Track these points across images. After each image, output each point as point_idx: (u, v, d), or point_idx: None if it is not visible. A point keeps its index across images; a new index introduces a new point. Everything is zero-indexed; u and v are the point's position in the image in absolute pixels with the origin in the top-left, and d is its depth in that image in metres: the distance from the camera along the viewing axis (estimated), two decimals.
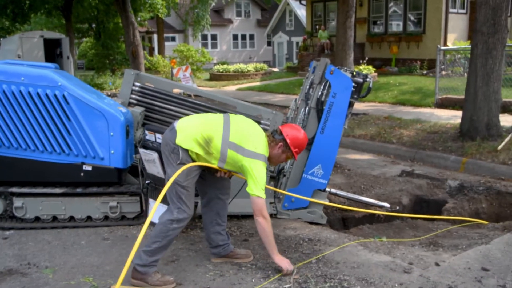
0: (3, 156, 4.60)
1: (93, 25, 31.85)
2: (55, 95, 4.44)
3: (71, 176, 4.66)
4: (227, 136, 3.53)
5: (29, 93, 4.44)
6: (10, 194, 4.68)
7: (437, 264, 3.79)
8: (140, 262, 3.49)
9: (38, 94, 4.44)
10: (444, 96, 11.98)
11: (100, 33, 30.93)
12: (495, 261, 3.83)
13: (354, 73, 4.77)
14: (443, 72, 14.12)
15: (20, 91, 4.43)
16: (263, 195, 3.50)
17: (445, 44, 18.87)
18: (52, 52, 23.23)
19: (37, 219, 4.76)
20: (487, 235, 4.70)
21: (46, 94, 4.44)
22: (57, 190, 4.68)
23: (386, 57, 20.94)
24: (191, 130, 3.54)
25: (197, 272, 3.74)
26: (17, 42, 22.13)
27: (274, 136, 3.69)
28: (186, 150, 3.52)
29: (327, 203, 4.96)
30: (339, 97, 4.66)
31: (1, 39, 39.58)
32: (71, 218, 4.78)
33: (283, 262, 3.63)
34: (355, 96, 4.75)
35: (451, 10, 19.40)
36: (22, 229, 4.69)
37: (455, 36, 19.34)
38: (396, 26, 21.27)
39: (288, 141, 3.66)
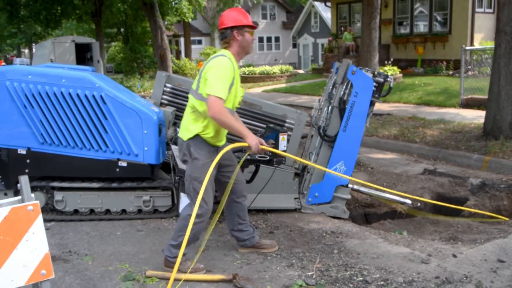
0: (45, 152, 4.94)
1: (122, 30, 32.62)
2: (93, 96, 4.76)
3: (108, 171, 4.98)
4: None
5: (69, 93, 4.77)
6: (51, 188, 5.03)
7: (454, 256, 3.95)
8: (170, 254, 3.74)
9: (77, 94, 4.77)
10: (470, 96, 11.98)
11: (128, 37, 31.62)
12: (511, 253, 3.97)
13: (375, 73, 4.96)
14: (470, 72, 14.07)
15: (61, 92, 4.77)
16: (220, 93, 3.48)
17: (471, 44, 18.73)
18: (83, 56, 23.96)
19: (75, 211, 5.09)
20: (507, 230, 4.82)
21: (85, 95, 4.76)
22: (95, 185, 5.00)
23: (412, 58, 20.88)
24: (183, 120, 3.78)
25: (225, 261, 3.99)
26: (50, 47, 22.89)
27: (225, 39, 3.68)
28: (197, 140, 3.66)
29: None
30: (360, 96, 4.86)
31: (33, 44, 40.88)
32: (107, 211, 5.10)
33: (250, 139, 3.61)
34: (376, 96, 4.94)
35: (477, 9, 19.24)
36: (62, 221, 5.02)
37: (482, 36, 19.17)
38: (421, 26, 21.18)
39: (232, 24, 3.62)
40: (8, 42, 43.61)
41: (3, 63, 37.84)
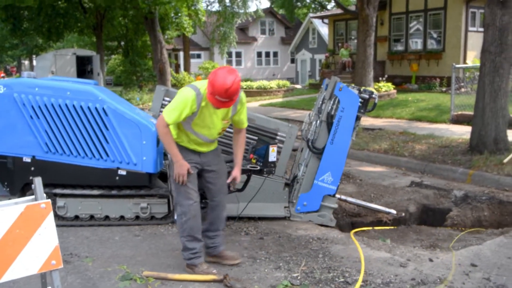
0: (49, 161, 5.22)
1: (122, 43, 33.10)
2: (96, 108, 5.07)
3: (108, 179, 5.26)
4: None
5: (73, 105, 5.08)
6: (53, 195, 5.30)
7: (431, 260, 4.24)
8: (185, 257, 4.06)
9: (81, 106, 5.07)
10: (460, 112, 12.32)
11: (128, 50, 32.10)
12: (484, 258, 4.26)
13: (361, 89, 5.28)
14: (462, 89, 14.46)
15: (66, 104, 5.07)
16: (166, 116, 3.72)
17: (464, 61, 19.19)
18: (83, 69, 24.36)
19: (76, 217, 5.36)
20: (484, 239, 5.11)
21: (88, 107, 5.07)
22: (95, 192, 5.29)
23: (406, 75, 21.32)
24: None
25: (217, 263, 4.26)
26: (51, 59, 23.27)
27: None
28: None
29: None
30: (347, 111, 5.17)
31: (34, 56, 41.31)
32: (106, 217, 5.37)
33: (178, 166, 3.82)
34: (362, 111, 5.26)
35: (470, 28, 19.74)
36: (63, 226, 5.29)
37: (475, 54, 19.61)
38: (416, 44, 21.67)
39: (209, 78, 3.62)
40: (9, 53, 44.13)
41: (3, 74, 38.25)
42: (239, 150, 4.16)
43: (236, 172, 4.14)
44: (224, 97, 3.58)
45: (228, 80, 3.53)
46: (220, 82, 3.52)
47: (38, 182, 2.43)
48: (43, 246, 2.38)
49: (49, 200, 2.43)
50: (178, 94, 3.85)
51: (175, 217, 4.75)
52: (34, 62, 41.02)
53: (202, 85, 3.77)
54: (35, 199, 2.42)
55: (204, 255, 4.19)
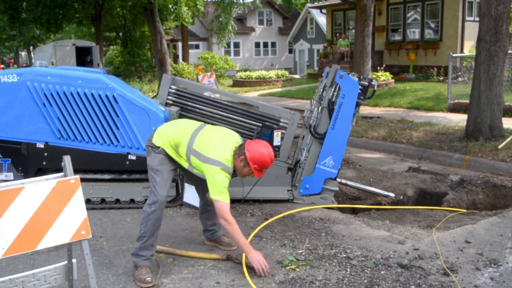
0: (62, 146, 5.43)
1: (120, 34, 33.18)
2: (106, 95, 5.27)
3: (118, 164, 5.49)
4: (192, 143, 3.81)
5: (84, 93, 5.29)
6: None
7: (427, 238, 4.48)
8: (133, 251, 3.89)
9: (92, 94, 5.28)
10: (457, 101, 12.57)
11: (127, 41, 32.20)
12: (478, 236, 4.50)
13: (361, 77, 5.49)
14: (460, 79, 14.68)
15: (77, 92, 5.28)
16: (223, 199, 3.67)
17: (461, 51, 19.39)
18: (83, 60, 24.46)
19: (88, 201, 5.58)
20: (478, 219, 5.35)
21: (99, 95, 5.27)
22: (106, 176, 5.51)
23: (404, 64, 21.53)
24: (165, 135, 3.95)
25: (215, 247, 4.47)
26: (51, 51, 23.35)
27: (240, 149, 3.78)
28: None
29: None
30: (347, 98, 5.39)
31: (31, 47, 41.32)
32: (117, 201, 5.60)
33: (254, 259, 3.75)
34: (362, 98, 5.48)
35: (467, 18, 19.92)
36: None
37: (472, 44, 19.80)
38: (414, 34, 21.85)
39: (247, 156, 3.71)
40: (6, 44, 44.10)
41: (2, 66, 38.26)
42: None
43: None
44: (269, 166, 3.83)
45: (271, 153, 3.81)
46: (264, 156, 3.74)
47: (67, 160, 2.66)
48: (73, 217, 2.60)
49: (78, 176, 2.65)
50: (210, 175, 3.69)
51: (183, 200, 4.99)
52: (32, 54, 41.08)
53: (222, 157, 3.72)
54: (65, 176, 2.64)
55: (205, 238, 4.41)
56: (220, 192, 3.66)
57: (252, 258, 3.76)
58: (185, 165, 3.92)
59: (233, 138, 3.92)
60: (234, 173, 3.90)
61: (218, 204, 3.69)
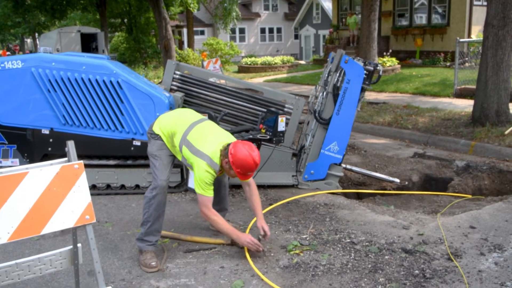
0: (67, 132, 5.45)
1: (125, 20, 33.04)
2: (111, 81, 5.27)
3: (123, 150, 5.50)
4: (187, 134, 3.81)
5: (89, 79, 5.28)
6: None
7: (432, 223, 4.47)
8: (138, 236, 3.92)
9: (96, 80, 5.28)
10: (463, 86, 12.46)
11: (132, 27, 32.08)
12: (482, 221, 4.49)
13: (366, 62, 5.45)
14: (467, 64, 14.53)
15: (82, 78, 5.28)
16: (205, 193, 3.69)
17: (469, 36, 19.18)
18: (88, 46, 24.43)
19: (93, 187, 5.61)
20: (484, 205, 5.33)
21: (103, 80, 5.27)
22: (111, 162, 5.53)
23: (411, 50, 21.33)
24: (164, 123, 3.97)
25: (219, 234, 4.49)
26: (56, 37, 23.33)
27: (225, 150, 3.71)
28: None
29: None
30: (352, 83, 5.36)
31: (37, 34, 41.24)
32: (122, 186, 5.63)
33: (245, 242, 3.81)
34: (367, 83, 5.44)
35: (475, 2, 19.65)
36: None
37: (479, 29, 19.55)
38: (420, 19, 21.61)
39: (230, 159, 3.65)
40: (11, 31, 44.05)
41: (8, 53, 38.27)
42: (255, 203, 3.98)
43: (262, 223, 3.95)
44: (253, 170, 3.73)
45: (255, 157, 3.66)
46: (247, 160, 3.62)
47: (71, 145, 2.66)
48: (77, 202, 2.61)
49: (82, 161, 2.66)
50: (196, 168, 3.71)
51: (188, 185, 5.00)
52: (37, 41, 41.00)
53: (212, 152, 3.71)
54: (68, 161, 2.65)
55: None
56: (202, 188, 3.68)
57: (242, 242, 3.82)
58: (179, 156, 3.93)
59: (228, 140, 3.87)
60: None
61: (199, 197, 3.73)
